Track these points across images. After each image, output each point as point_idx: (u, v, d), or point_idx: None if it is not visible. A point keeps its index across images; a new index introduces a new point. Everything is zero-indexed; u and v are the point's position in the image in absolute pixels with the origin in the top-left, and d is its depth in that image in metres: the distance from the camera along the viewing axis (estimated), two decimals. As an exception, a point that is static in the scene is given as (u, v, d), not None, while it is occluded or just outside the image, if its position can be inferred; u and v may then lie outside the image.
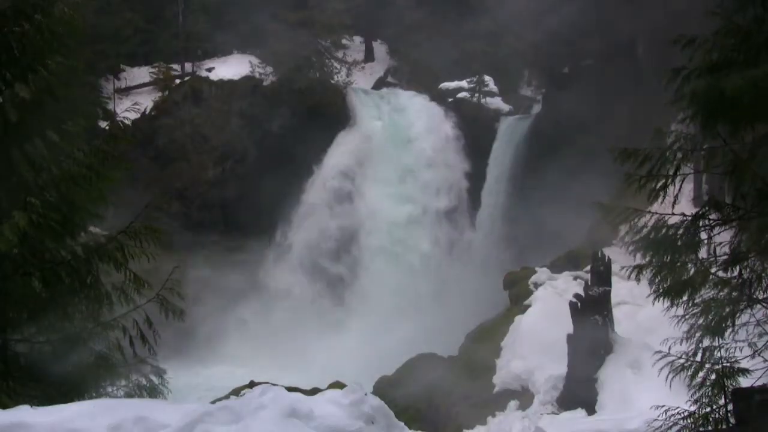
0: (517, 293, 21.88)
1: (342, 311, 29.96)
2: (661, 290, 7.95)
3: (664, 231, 7.62)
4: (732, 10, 6.95)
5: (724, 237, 7.78)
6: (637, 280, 8.25)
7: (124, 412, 5.67)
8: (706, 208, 7.70)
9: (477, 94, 34.16)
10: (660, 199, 7.60)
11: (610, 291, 16.00)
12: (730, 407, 7.75)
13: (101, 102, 32.77)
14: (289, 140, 32.61)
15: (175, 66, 35.42)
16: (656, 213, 7.71)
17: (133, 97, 34.30)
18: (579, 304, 15.61)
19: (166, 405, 6.49)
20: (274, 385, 6.42)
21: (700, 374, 7.96)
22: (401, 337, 23.88)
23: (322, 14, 35.23)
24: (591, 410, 14.61)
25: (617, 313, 16.77)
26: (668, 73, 7.15)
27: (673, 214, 7.67)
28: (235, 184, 33.05)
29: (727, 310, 7.82)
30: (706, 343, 8.02)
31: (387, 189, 32.02)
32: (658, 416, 7.88)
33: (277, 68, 34.54)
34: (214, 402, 6.54)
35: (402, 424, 6.56)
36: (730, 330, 7.92)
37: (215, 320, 28.83)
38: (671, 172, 7.41)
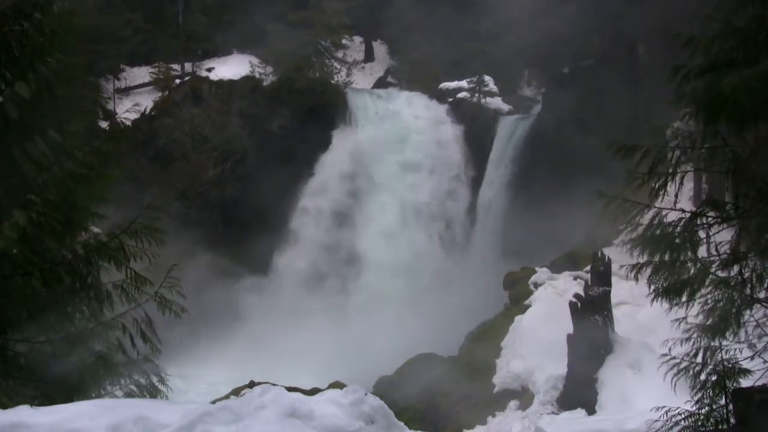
0: (517, 293, 21.88)
1: (342, 311, 29.93)
2: (660, 289, 7.94)
3: (662, 228, 7.62)
4: (731, 9, 6.94)
5: (723, 236, 7.78)
6: (636, 279, 8.24)
7: (124, 412, 5.66)
8: (704, 206, 7.71)
9: (477, 94, 34.13)
10: (660, 198, 7.60)
11: (610, 291, 15.99)
12: (730, 407, 7.75)
13: (101, 102, 32.74)
14: (289, 140, 32.62)
15: (175, 66, 35.39)
16: (654, 207, 7.71)
17: (133, 97, 34.32)
18: (579, 304, 15.61)
19: (166, 405, 6.48)
20: (274, 385, 6.41)
21: (702, 375, 7.95)
22: (401, 337, 23.86)
23: (322, 14, 35.24)
24: (591, 410, 14.61)
25: (617, 313, 16.76)
26: (668, 72, 7.15)
27: (672, 209, 7.67)
28: (235, 184, 33.04)
29: (728, 309, 7.82)
30: (706, 343, 8.01)
31: (386, 188, 32.02)
32: (659, 416, 7.88)
33: (277, 68, 34.55)
34: (214, 402, 6.53)
35: (402, 424, 6.55)
36: (730, 330, 7.91)
37: (215, 320, 28.81)
38: (671, 170, 7.41)
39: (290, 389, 6.86)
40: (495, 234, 29.87)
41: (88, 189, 7.77)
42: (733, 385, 7.81)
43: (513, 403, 16.97)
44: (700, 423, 7.83)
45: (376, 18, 39.48)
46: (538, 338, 17.91)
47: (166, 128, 33.13)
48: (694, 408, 7.90)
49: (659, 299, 8.04)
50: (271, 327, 28.60)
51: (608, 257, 16.40)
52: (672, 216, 7.70)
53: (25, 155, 7.38)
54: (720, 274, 7.81)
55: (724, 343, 7.95)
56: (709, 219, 7.63)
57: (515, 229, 27.59)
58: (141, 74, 35.96)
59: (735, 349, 7.99)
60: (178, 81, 34.82)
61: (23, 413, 5.57)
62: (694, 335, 8.06)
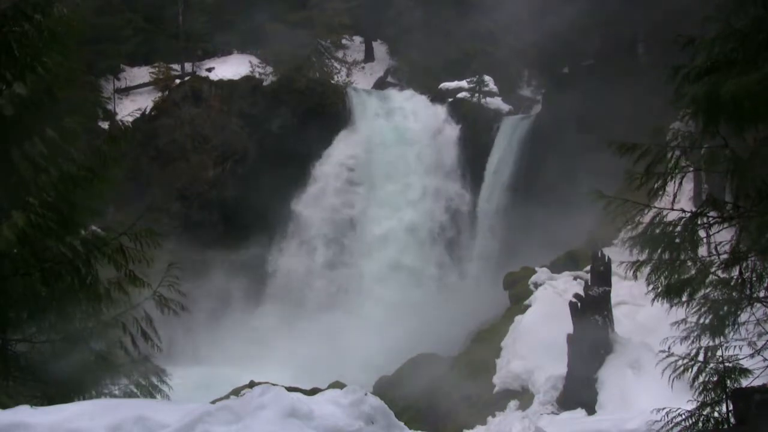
0: (517, 293, 21.87)
1: (342, 311, 29.93)
2: (659, 289, 7.94)
3: (662, 227, 7.62)
4: (730, 10, 6.94)
5: (723, 236, 7.78)
6: (635, 276, 8.23)
7: (124, 412, 5.66)
8: (704, 206, 7.71)
9: (477, 94, 34.12)
10: (659, 198, 7.60)
11: (610, 291, 15.99)
12: (730, 407, 7.75)
13: (101, 102, 32.77)
14: (289, 140, 32.62)
15: (175, 66, 35.43)
16: (654, 207, 7.71)
17: (133, 97, 34.37)
18: (579, 304, 15.61)
19: (166, 405, 6.48)
20: (274, 385, 6.41)
21: (702, 374, 7.95)
22: (401, 337, 23.86)
23: (322, 14, 35.28)
24: (591, 410, 14.61)
25: (617, 313, 16.76)
26: (668, 72, 7.15)
27: (672, 209, 7.67)
28: (235, 184, 33.05)
29: (728, 309, 7.81)
30: (706, 342, 8.01)
31: (386, 189, 32.02)
32: (659, 416, 7.88)
33: (277, 68, 34.56)
34: (214, 402, 6.53)
35: (402, 424, 6.54)
36: (730, 329, 7.91)
37: (215, 320, 28.83)
38: (669, 170, 7.42)
39: (290, 389, 6.86)
40: (495, 234, 29.87)
41: (87, 191, 7.75)
42: (733, 385, 7.81)
43: (513, 403, 16.96)
44: (700, 423, 7.83)
45: (376, 18, 39.49)
46: (538, 338, 17.90)
47: (166, 128, 33.14)
48: (695, 408, 7.90)
49: (659, 299, 8.04)
50: (270, 327, 28.62)
51: (608, 257, 16.39)
52: (672, 216, 7.70)
53: (23, 157, 7.38)
54: (720, 274, 7.81)
55: (724, 342, 7.95)
56: (710, 219, 7.63)
57: (515, 229, 27.60)
58: (141, 74, 35.98)
59: (735, 347, 7.99)
60: (178, 81, 34.83)
61: (23, 413, 5.57)
62: (694, 334, 8.06)
